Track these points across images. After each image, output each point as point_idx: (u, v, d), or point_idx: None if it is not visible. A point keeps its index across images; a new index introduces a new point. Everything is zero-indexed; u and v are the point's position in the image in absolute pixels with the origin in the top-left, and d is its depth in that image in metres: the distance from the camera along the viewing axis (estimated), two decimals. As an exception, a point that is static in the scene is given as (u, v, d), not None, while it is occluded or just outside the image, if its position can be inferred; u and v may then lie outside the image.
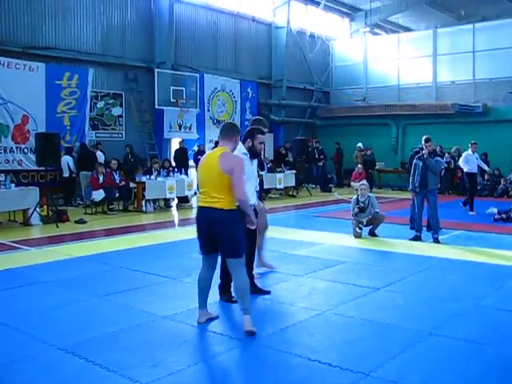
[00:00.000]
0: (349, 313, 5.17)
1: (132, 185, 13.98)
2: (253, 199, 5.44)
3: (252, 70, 21.67)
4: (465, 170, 13.02)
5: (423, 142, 8.95)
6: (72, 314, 5.16)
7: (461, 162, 13.25)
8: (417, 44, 21.91)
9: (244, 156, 5.25)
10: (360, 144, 20.61)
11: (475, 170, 13.10)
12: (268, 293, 5.80)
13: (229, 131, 4.70)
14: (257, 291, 5.79)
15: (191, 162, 17.67)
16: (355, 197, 9.55)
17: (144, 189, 13.22)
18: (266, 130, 5.67)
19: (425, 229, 9.21)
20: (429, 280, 6.43)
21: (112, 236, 9.78)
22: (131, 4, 17.06)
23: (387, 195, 18.26)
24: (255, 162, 5.66)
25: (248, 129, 5.58)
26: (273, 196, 17.73)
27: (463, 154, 13.37)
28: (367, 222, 9.44)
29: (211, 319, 4.94)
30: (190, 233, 10.03)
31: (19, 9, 14.40)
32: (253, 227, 4.64)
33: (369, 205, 9.43)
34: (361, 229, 9.40)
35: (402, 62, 22.16)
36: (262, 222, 6.26)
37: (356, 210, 9.34)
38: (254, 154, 5.52)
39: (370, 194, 9.76)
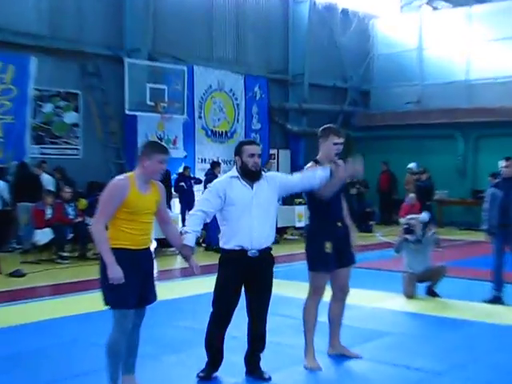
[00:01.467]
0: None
1: (91, 221, 14.05)
2: (265, 240, 5.59)
3: (261, 60, 21.94)
4: None
5: (502, 163, 9.00)
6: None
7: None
8: (495, 21, 22.08)
9: (225, 179, 5.64)
10: (412, 165, 20.72)
11: None
12: (269, 380, 5.76)
13: (139, 151, 5.22)
14: (258, 374, 5.79)
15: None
16: (400, 238, 9.60)
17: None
18: (339, 138, 6.09)
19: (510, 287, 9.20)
20: (515, 362, 6.42)
21: (63, 295, 9.80)
22: (93, -30, 17.48)
23: (452, 236, 18.21)
24: (262, 184, 5.67)
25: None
26: (290, 237, 17.74)
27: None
28: (423, 275, 9.42)
29: None
30: (176, 291, 10.27)
31: None
32: (112, 280, 4.90)
33: (422, 248, 9.45)
34: (414, 285, 9.39)
35: (473, 47, 22.41)
36: (340, 282, 6.21)
37: (409, 238, 9.39)
38: (248, 173, 5.61)
39: (429, 233, 9.77)
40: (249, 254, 5.55)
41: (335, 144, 6.16)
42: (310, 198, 6.10)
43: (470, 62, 22.48)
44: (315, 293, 6.11)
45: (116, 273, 4.88)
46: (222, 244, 5.66)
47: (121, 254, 4.95)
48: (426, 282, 9.55)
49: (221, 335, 5.75)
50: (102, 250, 4.94)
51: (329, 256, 5.94)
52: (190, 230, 5.50)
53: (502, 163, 9.03)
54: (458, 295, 9.54)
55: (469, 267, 12.10)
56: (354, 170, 5.82)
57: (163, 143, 5.64)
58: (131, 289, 5.00)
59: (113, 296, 4.99)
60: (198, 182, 17.65)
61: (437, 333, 7.47)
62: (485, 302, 9.04)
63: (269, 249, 5.74)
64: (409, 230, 9.46)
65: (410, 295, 9.34)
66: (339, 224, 6.04)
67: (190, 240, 5.48)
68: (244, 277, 5.65)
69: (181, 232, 5.61)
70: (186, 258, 5.53)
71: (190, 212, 5.75)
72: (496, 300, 9.04)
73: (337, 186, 5.88)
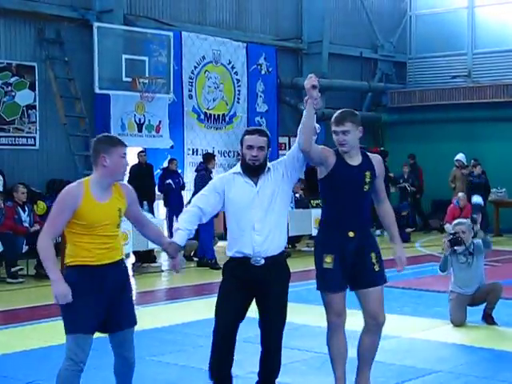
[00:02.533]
0: None
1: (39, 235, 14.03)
2: (270, 245, 5.81)
3: (267, 24, 21.94)
4: None
5: None
6: None
7: None
8: None
9: (227, 175, 5.98)
10: (460, 156, 20.70)
11: None
12: None
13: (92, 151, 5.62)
14: None
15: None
16: (446, 252, 9.53)
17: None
18: (338, 126, 6.14)
19: None
20: None
21: (14, 323, 9.74)
22: None
23: (512, 247, 18.15)
24: (269, 179, 5.85)
25: None
26: (305, 249, 17.69)
27: None
28: (475, 297, 9.37)
29: None
30: (159, 317, 10.19)
31: None
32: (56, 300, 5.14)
33: (474, 260, 9.40)
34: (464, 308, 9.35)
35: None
36: (368, 307, 6.20)
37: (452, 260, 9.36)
38: (246, 168, 5.84)
39: (477, 240, 9.69)
40: (251, 261, 5.74)
41: (334, 133, 6.12)
42: (321, 189, 6.12)
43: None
44: (328, 318, 6.11)
45: (61, 290, 5.06)
46: (226, 251, 6.00)
47: (78, 272, 5.18)
48: (479, 304, 9.47)
49: (223, 359, 5.87)
50: (46, 267, 5.15)
51: (329, 272, 5.93)
52: (182, 227, 5.81)
53: None
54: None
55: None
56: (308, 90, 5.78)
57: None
58: (88, 310, 5.17)
59: (65, 319, 5.23)
60: (181, 186, 17.67)
61: (496, 371, 7.40)
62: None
63: (280, 257, 5.88)
64: (456, 239, 9.38)
65: (460, 322, 9.28)
66: (351, 234, 5.95)
67: (179, 238, 5.77)
68: (249, 291, 5.84)
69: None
70: (172, 257, 5.82)
71: (185, 208, 5.91)
72: None
73: (307, 123, 5.96)
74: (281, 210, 5.88)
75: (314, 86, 5.71)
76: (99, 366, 7.36)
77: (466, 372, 7.36)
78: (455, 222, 9.91)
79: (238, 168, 5.96)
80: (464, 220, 9.89)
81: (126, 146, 5.52)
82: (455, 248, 9.44)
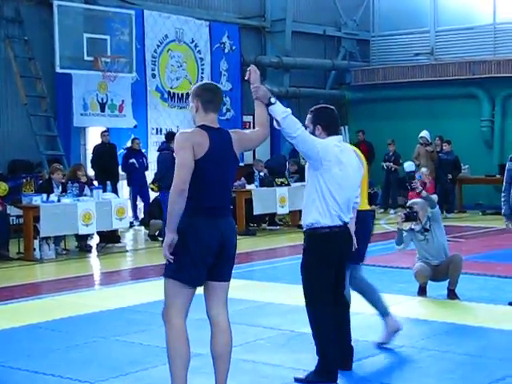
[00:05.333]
0: None
1: (14, 211, 13.90)
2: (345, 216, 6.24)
3: (230, 2, 21.90)
4: None
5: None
6: None
7: None
8: None
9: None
10: (425, 133, 20.79)
11: None
12: None
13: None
14: None
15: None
16: (399, 226, 9.63)
17: (37, 219, 13.23)
18: None
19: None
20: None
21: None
22: None
23: (475, 223, 18.33)
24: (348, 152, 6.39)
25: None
26: (271, 228, 17.74)
27: None
28: (438, 270, 9.49)
29: None
30: (125, 298, 10.19)
31: None
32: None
33: (432, 234, 9.49)
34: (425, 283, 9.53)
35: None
36: None
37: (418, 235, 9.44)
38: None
39: (430, 211, 9.69)
40: None
41: None
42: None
43: (496, 0, 22.53)
44: None
45: None
46: None
47: None
48: (441, 280, 9.61)
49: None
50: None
51: None
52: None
53: None
54: (482, 297, 9.59)
55: (496, 261, 12.19)
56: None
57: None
58: None
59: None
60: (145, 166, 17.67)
61: (458, 345, 7.49)
62: (510, 304, 9.13)
63: None
64: (411, 214, 9.45)
65: (424, 276, 9.48)
66: None
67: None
68: None
69: None
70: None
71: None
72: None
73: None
74: None
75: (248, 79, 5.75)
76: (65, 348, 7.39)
77: (428, 346, 7.45)
78: (409, 202, 9.99)
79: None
80: (418, 200, 9.89)
81: None
82: (412, 227, 9.54)
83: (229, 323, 5.52)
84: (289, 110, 5.93)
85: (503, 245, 13.72)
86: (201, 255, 5.32)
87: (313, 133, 6.22)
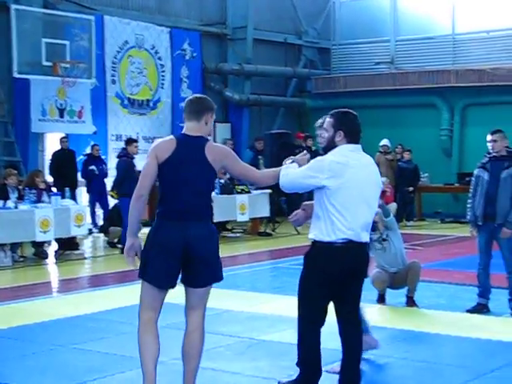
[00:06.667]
0: None
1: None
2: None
3: (191, 9, 21.87)
4: None
5: (488, 137, 9.14)
6: None
7: None
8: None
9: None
10: (386, 141, 20.91)
11: None
12: None
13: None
14: None
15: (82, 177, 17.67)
16: None
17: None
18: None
19: (498, 292, 9.37)
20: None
21: None
22: None
23: (434, 231, 18.49)
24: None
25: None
26: (230, 235, 17.73)
27: None
28: (396, 277, 9.57)
29: None
30: (82, 305, 10.03)
31: None
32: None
33: (390, 243, 9.54)
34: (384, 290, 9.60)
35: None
36: None
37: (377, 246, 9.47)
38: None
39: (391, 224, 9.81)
40: None
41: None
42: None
43: (455, 11, 22.77)
44: None
45: None
46: None
47: None
48: (400, 287, 9.67)
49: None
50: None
51: None
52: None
53: (488, 137, 9.14)
54: (439, 304, 9.69)
55: (453, 269, 12.30)
56: None
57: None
58: None
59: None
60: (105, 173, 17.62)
61: (415, 352, 7.56)
62: (468, 311, 9.22)
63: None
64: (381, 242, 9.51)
65: (381, 282, 9.50)
66: None
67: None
68: None
69: None
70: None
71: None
72: (481, 308, 9.20)
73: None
74: None
75: None
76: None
77: (387, 353, 7.48)
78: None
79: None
80: (377, 209, 9.87)
81: None
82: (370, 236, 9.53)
83: (200, 325, 5.66)
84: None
85: (461, 252, 13.83)
86: (158, 256, 5.49)
87: (333, 138, 5.88)
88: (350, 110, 6.13)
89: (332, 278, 5.75)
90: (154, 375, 5.50)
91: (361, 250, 5.83)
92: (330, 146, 5.89)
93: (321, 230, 5.73)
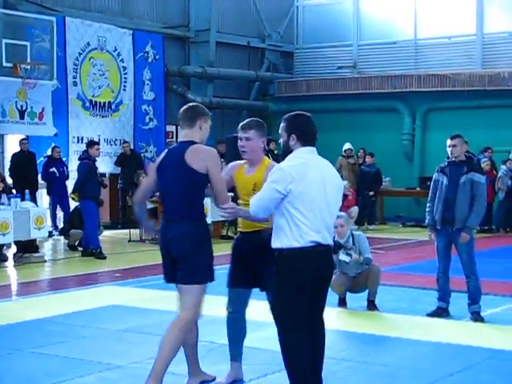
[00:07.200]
0: None
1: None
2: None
3: (154, 11, 21.83)
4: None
5: (448, 142, 9.19)
6: None
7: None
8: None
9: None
10: (348, 145, 20.97)
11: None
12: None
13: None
14: None
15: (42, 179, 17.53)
16: None
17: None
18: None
19: (458, 296, 9.44)
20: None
21: None
22: None
23: (396, 235, 18.58)
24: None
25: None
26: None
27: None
28: (356, 281, 9.60)
29: None
30: (41, 308, 9.94)
31: None
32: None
33: (355, 250, 9.55)
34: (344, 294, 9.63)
35: (422, -2, 22.80)
36: None
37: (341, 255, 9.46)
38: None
39: (356, 232, 9.91)
40: None
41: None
42: None
43: (418, 15, 22.96)
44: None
45: None
46: None
47: None
48: (360, 291, 9.71)
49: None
50: None
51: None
52: None
53: (448, 142, 9.19)
54: (399, 308, 9.73)
55: (414, 273, 12.36)
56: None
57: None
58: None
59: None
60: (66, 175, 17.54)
61: (374, 356, 7.57)
62: (428, 315, 9.26)
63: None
64: (336, 245, 9.49)
65: (339, 285, 9.49)
66: None
67: None
68: None
69: None
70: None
71: None
72: (440, 312, 9.25)
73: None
74: None
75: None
76: None
77: (347, 357, 7.51)
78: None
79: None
80: (341, 213, 9.83)
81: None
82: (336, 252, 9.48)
83: (172, 325, 6.03)
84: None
85: (422, 256, 13.89)
86: (161, 253, 6.08)
87: (287, 142, 5.81)
88: (303, 113, 5.97)
89: (307, 283, 5.63)
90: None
91: (329, 253, 5.77)
92: (286, 150, 5.82)
93: (287, 237, 5.59)
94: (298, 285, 5.61)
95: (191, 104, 6.37)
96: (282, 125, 5.89)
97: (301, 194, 5.53)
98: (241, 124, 6.42)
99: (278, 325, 5.72)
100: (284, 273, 5.66)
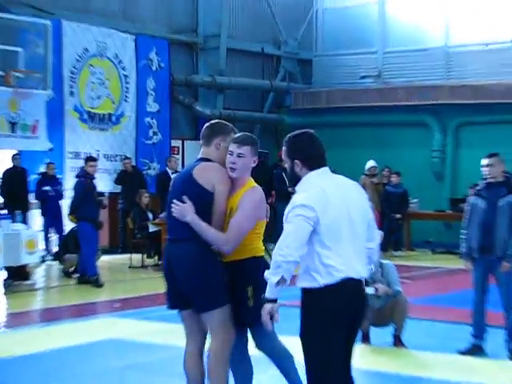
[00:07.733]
0: None
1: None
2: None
3: (159, 14, 21.92)
4: None
5: (484, 161, 9.16)
6: None
7: None
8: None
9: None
10: (372, 163, 20.95)
11: None
12: None
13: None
14: None
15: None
16: None
17: None
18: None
19: (495, 332, 9.36)
20: None
21: None
22: None
23: (424, 263, 18.51)
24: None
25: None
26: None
27: None
28: (381, 314, 9.55)
29: None
30: (35, 342, 9.95)
31: None
32: None
33: (383, 281, 9.53)
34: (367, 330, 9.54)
35: (454, 2, 22.82)
36: None
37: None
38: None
39: (384, 261, 9.88)
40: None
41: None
42: None
43: (449, 22, 22.97)
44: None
45: None
46: None
47: None
48: (385, 325, 9.66)
49: None
50: None
51: None
52: None
53: (483, 162, 9.18)
54: (429, 345, 9.65)
55: (446, 306, 12.31)
56: None
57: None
58: None
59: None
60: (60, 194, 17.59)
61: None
62: (461, 353, 9.20)
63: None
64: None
65: (366, 330, 9.44)
66: None
67: None
68: None
69: None
70: None
71: None
72: (474, 350, 9.19)
73: None
74: None
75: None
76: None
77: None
78: None
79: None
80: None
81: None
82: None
83: (198, 353, 6.13)
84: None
85: (454, 287, 13.87)
86: (164, 275, 6.23)
87: (292, 169, 5.51)
88: (304, 131, 5.66)
89: (342, 321, 5.37)
90: None
91: (361, 286, 5.47)
92: (294, 178, 5.55)
93: (314, 276, 5.31)
94: (335, 320, 5.33)
95: (213, 121, 6.59)
96: (283, 148, 5.61)
97: (327, 225, 5.27)
98: (234, 137, 6.28)
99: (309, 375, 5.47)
100: (317, 312, 5.36)
